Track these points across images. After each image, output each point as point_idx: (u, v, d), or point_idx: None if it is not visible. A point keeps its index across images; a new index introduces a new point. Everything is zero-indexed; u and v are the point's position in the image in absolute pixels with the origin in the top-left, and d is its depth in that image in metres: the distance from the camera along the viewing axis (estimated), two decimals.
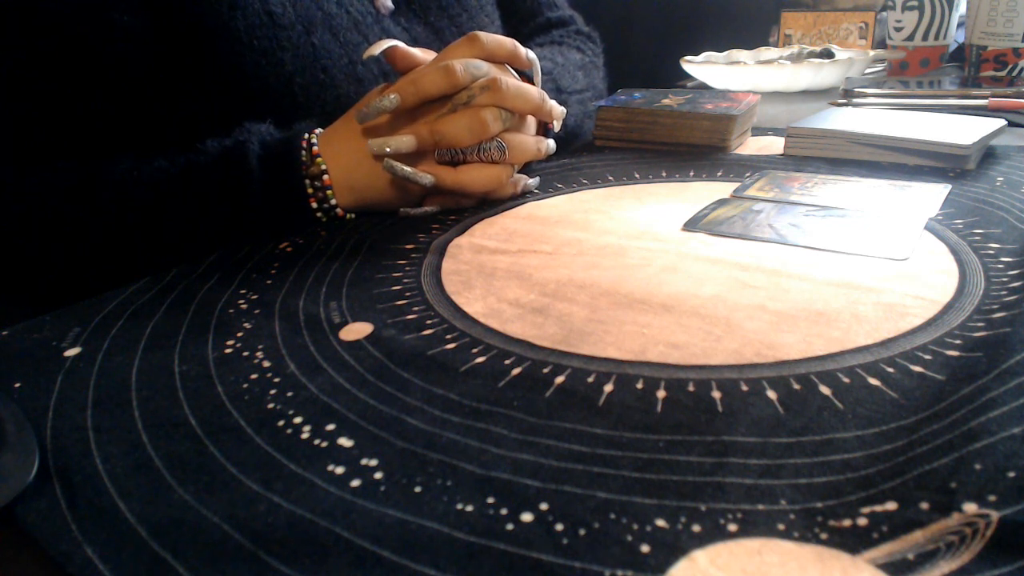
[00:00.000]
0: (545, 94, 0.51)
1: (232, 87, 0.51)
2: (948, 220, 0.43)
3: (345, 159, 0.48)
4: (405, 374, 0.29)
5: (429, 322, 0.34)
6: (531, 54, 0.52)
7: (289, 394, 0.28)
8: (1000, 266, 0.36)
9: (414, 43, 0.61)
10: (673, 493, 0.22)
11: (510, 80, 0.48)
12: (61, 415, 0.28)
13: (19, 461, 0.24)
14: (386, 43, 0.49)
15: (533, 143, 0.52)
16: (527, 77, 0.53)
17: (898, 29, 0.97)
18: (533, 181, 0.54)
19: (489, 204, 0.51)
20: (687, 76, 1.02)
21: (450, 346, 0.32)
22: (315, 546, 0.21)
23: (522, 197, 0.53)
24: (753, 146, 0.64)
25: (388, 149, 0.46)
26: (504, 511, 0.21)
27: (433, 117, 0.47)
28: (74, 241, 0.47)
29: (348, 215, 0.50)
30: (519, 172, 0.53)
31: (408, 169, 0.47)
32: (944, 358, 0.28)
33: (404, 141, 0.46)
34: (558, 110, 0.52)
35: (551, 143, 0.54)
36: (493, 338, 0.32)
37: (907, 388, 0.26)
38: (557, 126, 0.54)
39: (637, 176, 0.57)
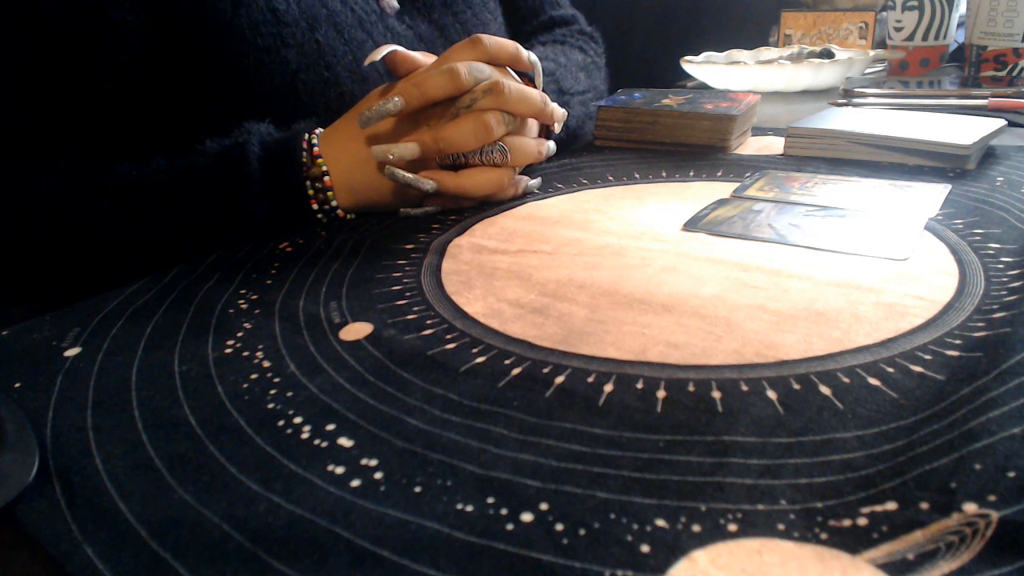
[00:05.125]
0: (547, 97, 0.51)
1: (235, 85, 0.51)
2: (948, 220, 0.43)
3: (346, 161, 0.48)
4: (405, 374, 0.29)
5: (429, 322, 0.34)
6: (533, 56, 0.52)
7: (289, 394, 0.28)
8: (1000, 266, 0.36)
9: (418, 41, 0.61)
10: (673, 493, 0.22)
11: (512, 83, 0.48)
12: (61, 415, 0.28)
13: (19, 461, 0.24)
14: (386, 49, 0.49)
15: (534, 146, 0.52)
16: (528, 79, 0.53)
17: (898, 29, 0.97)
18: (535, 182, 0.54)
19: (489, 204, 0.51)
20: (687, 76, 1.02)
21: (450, 346, 0.32)
22: (315, 546, 0.21)
23: (522, 197, 0.53)
24: (753, 146, 0.64)
25: (391, 156, 0.46)
26: (504, 511, 0.21)
27: (435, 122, 0.47)
28: (74, 242, 0.47)
29: (348, 215, 0.50)
30: (519, 173, 0.53)
31: (410, 176, 0.46)
32: (944, 358, 0.28)
33: (408, 148, 0.46)
34: (559, 113, 0.52)
35: (551, 145, 0.54)
36: (493, 338, 0.32)
37: (907, 388, 0.26)
38: (558, 128, 0.54)
39: (637, 176, 0.57)
